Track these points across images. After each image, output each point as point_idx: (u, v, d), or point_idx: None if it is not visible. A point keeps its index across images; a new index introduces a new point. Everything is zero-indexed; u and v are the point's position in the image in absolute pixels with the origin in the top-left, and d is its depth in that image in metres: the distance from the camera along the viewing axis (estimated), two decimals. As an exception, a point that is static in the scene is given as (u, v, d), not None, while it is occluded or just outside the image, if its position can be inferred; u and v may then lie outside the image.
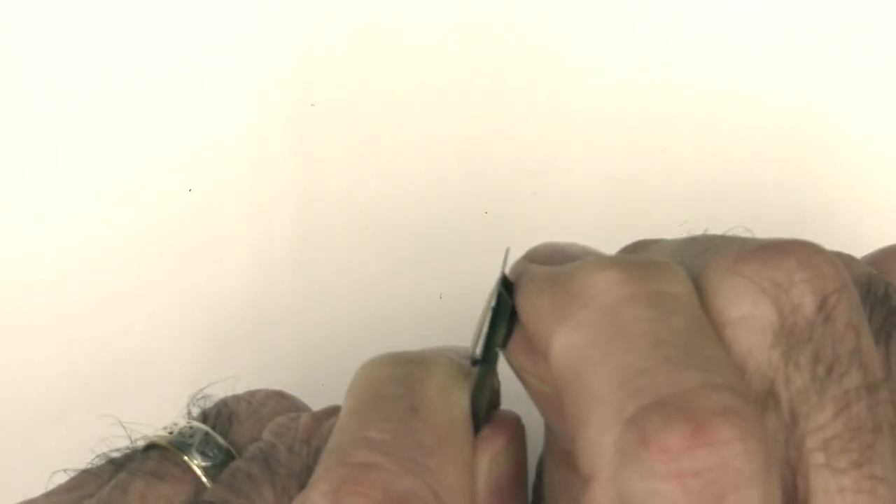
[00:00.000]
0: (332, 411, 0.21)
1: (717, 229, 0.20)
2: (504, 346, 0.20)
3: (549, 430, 0.20)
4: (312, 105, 0.35)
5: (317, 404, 0.24)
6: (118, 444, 0.23)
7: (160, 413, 0.22)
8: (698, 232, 0.20)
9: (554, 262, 0.19)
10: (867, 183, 0.35)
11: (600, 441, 0.16)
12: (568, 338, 0.17)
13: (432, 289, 0.32)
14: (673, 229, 0.22)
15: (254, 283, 0.34)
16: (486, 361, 0.20)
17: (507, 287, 0.20)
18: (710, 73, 0.35)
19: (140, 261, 0.34)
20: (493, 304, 0.20)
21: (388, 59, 0.35)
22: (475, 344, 0.20)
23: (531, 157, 0.35)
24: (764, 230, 0.20)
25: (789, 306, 0.17)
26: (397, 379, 0.20)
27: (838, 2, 0.35)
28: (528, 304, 0.19)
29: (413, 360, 0.20)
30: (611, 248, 0.21)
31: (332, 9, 0.35)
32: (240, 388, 0.24)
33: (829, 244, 0.19)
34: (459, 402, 0.20)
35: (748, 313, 0.17)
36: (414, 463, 0.18)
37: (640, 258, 0.18)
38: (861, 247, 0.22)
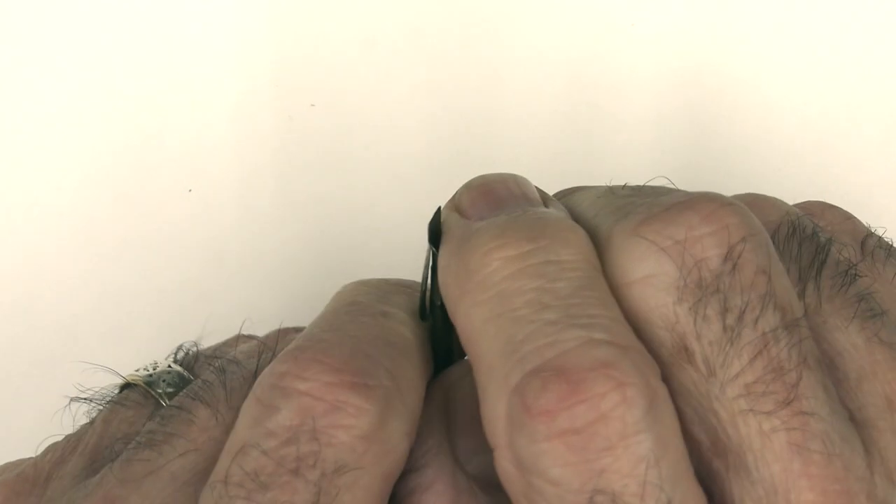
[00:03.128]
0: (301, 328, 0.21)
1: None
2: (441, 301, 0.20)
3: None
4: (312, 105, 0.35)
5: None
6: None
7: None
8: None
9: (477, 207, 0.20)
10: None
11: (495, 412, 0.17)
12: (466, 315, 0.18)
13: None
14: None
15: (254, 283, 0.34)
16: (433, 317, 0.20)
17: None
18: (710, 72, 0.35)
19: (140, 261, 0.34)
20: (430, 262, 0.20)
21: (388, 60, 0.35)
22: (420, 300, 0.21)
23: (531, 158, 0.35)
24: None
25: (692, 262, 0.17)
26: (372, 292, 0.20)
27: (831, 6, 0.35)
28: (441, 277, 0.19)
29: (387, 280, 0.21)
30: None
31: (332, 9, 0.35)
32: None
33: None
34: (424, 331, 0.20)
35: (650, 273, 0.18)
36: (376, 351, 0.18)
37: (536, 223, 0.19)
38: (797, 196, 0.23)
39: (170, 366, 0.23)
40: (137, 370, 0.23)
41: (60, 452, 0.22)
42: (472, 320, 0.18)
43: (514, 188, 0.20)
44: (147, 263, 0.34)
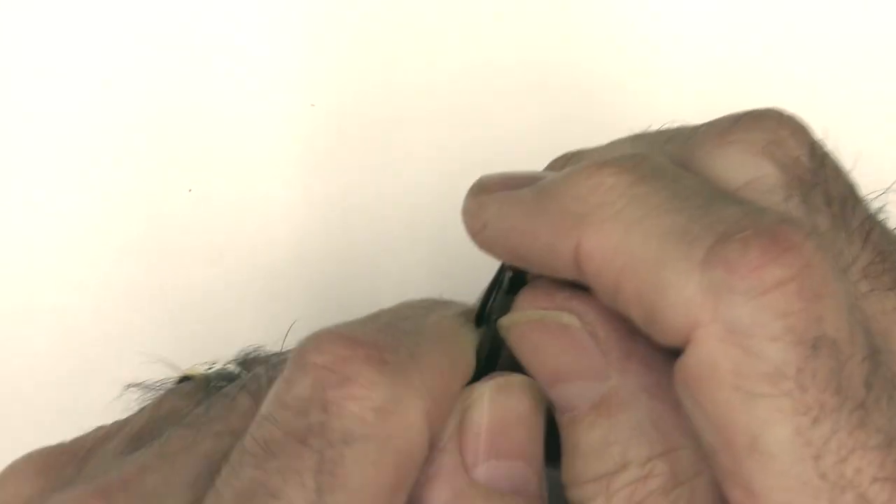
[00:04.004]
0: None
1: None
2: (497, 316, 0.20)
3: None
4: (312, 105, 0.35)
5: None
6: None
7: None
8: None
9: (519, 180, 0.20)
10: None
11: (682, 294, 0.16)
12: (599, 235, 0.17)
13: (433, 289, 0.32)
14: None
15: (253, 284, 0.34)
16: (487, 328, 0.20)
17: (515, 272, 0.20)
18: (710, 72, 0.35)
19: (140, 260, 0.34)
20: (499, 277, 0.20)
21: (388, 60, 0.35)
22: (480, 308, 0.21)
23: (531, 158, 0.35)
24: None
25: (789, 160, 0.18)
26: (419, 301, 0.21)
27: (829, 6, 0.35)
28: (527, 223, 0.19)
29: (435, 299, 0.21)
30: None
31: (333, 9, 0.35)
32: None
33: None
34: (469, 334, 0.20)
35: (753, 177, 0.18)
36: (404, 333, 0.19)
37: (620, 154, 0.18)
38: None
39: (228, 363, 0.24)
40: (196, 365, 0.24)
41: (106, 431, 0.22)
42: (608, 236, 0.17)
43: (524, 172, 0.20)
44: (147, 263, 0.34)
